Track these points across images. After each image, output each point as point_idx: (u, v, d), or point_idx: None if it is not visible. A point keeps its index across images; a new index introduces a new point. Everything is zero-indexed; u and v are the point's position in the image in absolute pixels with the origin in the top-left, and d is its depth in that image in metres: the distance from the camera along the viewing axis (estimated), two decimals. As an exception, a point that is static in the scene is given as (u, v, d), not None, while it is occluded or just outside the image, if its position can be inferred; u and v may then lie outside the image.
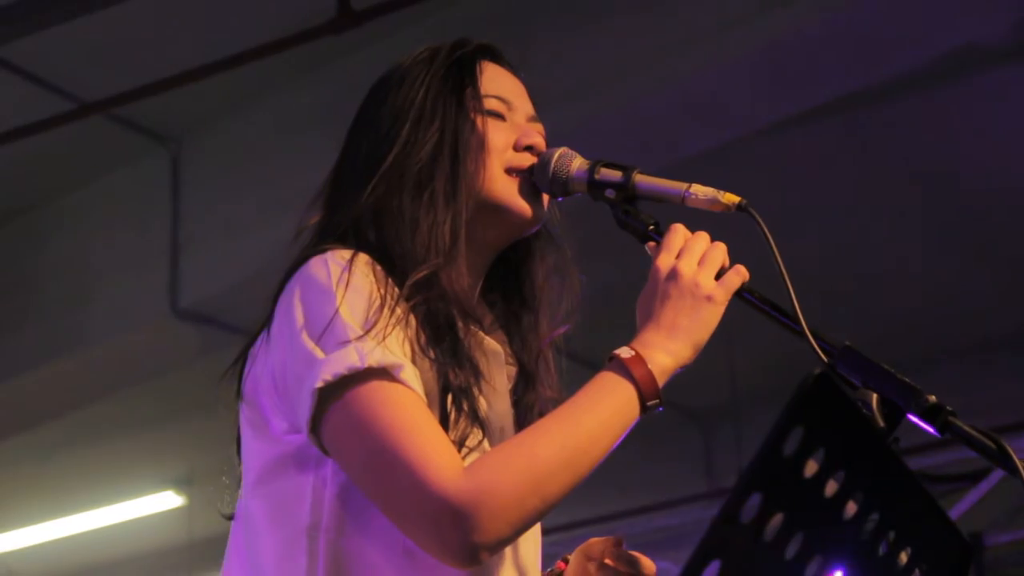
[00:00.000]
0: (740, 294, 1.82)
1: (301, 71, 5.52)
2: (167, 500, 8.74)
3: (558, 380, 2.02)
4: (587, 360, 2.01)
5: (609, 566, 1.98)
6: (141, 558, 9.50)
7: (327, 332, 1.73)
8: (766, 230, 1.80)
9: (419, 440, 1.69)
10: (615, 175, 1.92)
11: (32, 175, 6.15)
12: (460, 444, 1.76)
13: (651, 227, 1.89)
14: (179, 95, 5.35)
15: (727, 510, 1.41)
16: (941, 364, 7.12)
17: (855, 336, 1.76)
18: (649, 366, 1.76)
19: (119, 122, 5.83)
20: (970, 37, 4.74)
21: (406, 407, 1.71)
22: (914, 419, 1.63)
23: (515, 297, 2.04)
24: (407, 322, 1.78)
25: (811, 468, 1.45)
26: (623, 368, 1.76)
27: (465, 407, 1.79)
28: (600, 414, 1.74)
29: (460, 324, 1.84)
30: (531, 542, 1.92)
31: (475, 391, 1.82)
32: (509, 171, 1.95)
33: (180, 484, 8.64)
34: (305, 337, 1.75)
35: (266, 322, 1.86)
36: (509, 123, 1.99)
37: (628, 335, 1.82)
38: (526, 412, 1.96)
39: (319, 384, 1.71)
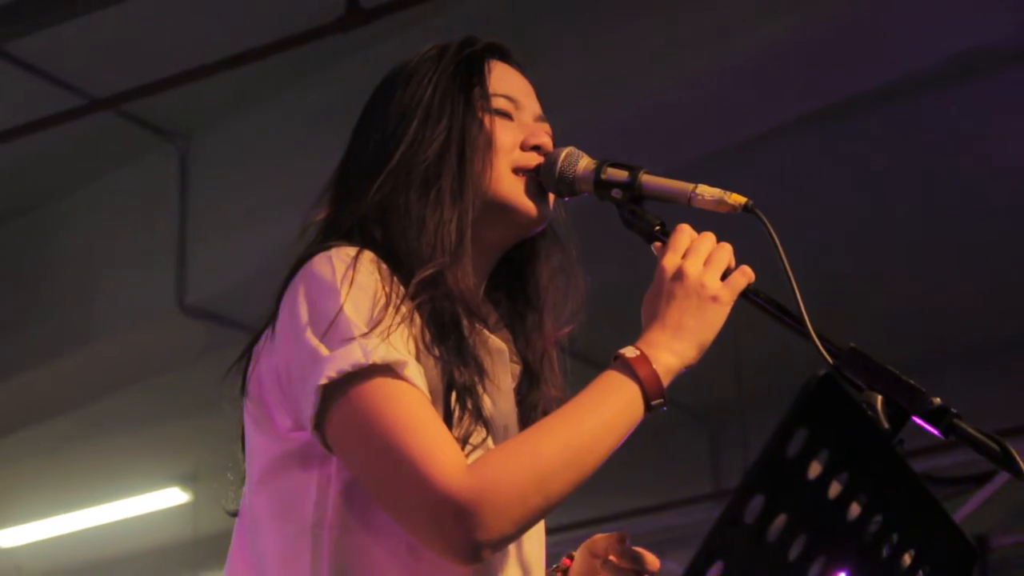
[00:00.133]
0: (745, 295, 1.82)
1: (309, 69, 5.52)
2: (172, 496, 8.76)
3: (562, 379, 2.02)
4: (591, 359, 2.01)
5: (613, 562, 1.98)
6: (146, 554, 9.52)
7: (331, 329, 1.74)
8: (772, 231, 1.80)
9: (423, 437, 1.69)
10: (621, 175, 1.92)
11: (41, 171, 6.16)
12: (464, 442, 1.76)
13: (657, 227, 1.89)
14: (188, 92, 5.35)
15: (730, 511, 1.41)
16: (945, 367, 7.11)
17: (859, 338, 1.76)
18: (654, 366, 1.76)
19: (128, 119, 5.83)
20: (975, 40, 4.73)
21: (410, 404, 1.72)
22: (919, 421, 1.63)
23: (520, 296, 2.04)
24: (412, 320, 1.78)
25: (815, 469, 1.45)
26: (628, 367, 1.76)
27: (469, 405, 1.79)
28: (604, 413, 1.74)
29: (465, 323, 1.84)
30: (535, 540, 1.92)
31: (479, 389, 1.82)
32: (516, 171, 1.95)
33: (185, 480, 8.65)
34: (309, 334, 1.75)
35: (270, 319, 1.86)
36: (516, 122, 1.99)
37: (633, 334, 1.82)
38: (530, 411, 1.96)
39: (323, 381, 1.71)
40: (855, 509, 1.50)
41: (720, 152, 5.10)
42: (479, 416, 1.80)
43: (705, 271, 1.81)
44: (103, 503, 8.72)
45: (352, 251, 1.81)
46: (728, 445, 8.18)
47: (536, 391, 1.98)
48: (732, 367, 7.16)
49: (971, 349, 7.46)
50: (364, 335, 1.72)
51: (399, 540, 1.75)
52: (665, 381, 1.76)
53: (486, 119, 1.95)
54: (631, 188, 1.90)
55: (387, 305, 1.77)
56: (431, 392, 1.76)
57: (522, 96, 2.01)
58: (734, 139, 5.14)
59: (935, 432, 1.63)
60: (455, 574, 1.77)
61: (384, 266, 1.82)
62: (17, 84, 5.52)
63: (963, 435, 1.63)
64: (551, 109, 2.05)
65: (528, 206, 1.94)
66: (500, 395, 1.88)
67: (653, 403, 1.76)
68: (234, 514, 1.92)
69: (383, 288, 1.78)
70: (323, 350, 1.73)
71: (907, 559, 1.57)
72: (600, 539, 2.01)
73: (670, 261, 1.83)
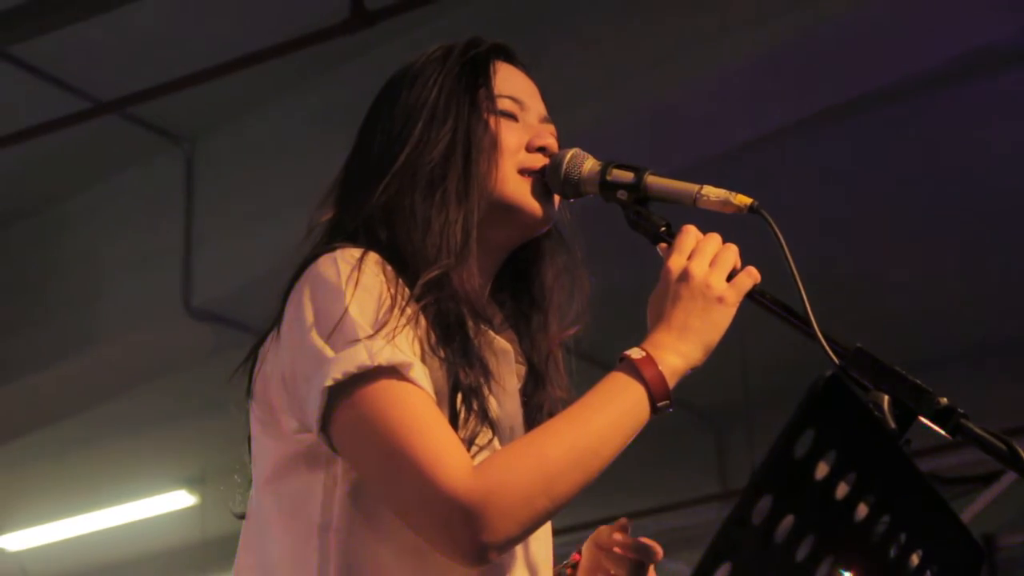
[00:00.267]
0: (751, 296, 1.82)
1: (314, 71, 5.53)
2: (180, 499, 8.76)
3: (568, 380, 2.02)
4: (597, 360, 2.01)
5: (617, 553, 1.97)
6: (154, 557, 9.52)
7: (337, 330, 1.73)
8: (778, 231, 1.80)
9: (428, 439, 1.69)
10: (627, 176, 1.92)
11: (47, 174, 6.17)
12: (470, 443, 1.76)
13: (663, 228, 1.89)
14: (193, 95, 5.36)
15: (738, 512, 1.41)
16: (952, 366, 7.11)
17: (866, 338, 1.76)
18: (660, 367, 1.76)
19: (133, 121, 5.84)
20: (976, 40, 4.73)
21: (415, 406, 1.72)
22: (925, 421, 1.63)
23: (524, 297, 2.04)
24: (417, 322, 1.78)
25: (822, 470, 1.45)
26: (634, 369, 1.76)
27: (475, 407, 1.79)
28: (610, 414, 1.74)
29: (470, 324, 1.84)
30: (542, 541, 1.92)
31: (485, 391, 1.81)
32: (521, 172, 1.95)
33: (193, 483, 8.65)
34: (314, 335, 1.75)
35: (275, 321, 1.86)
36: (522, 124, 1.99)
37: (639, 335, 1.82)
38: (536, 411, 1.96)
39: (328, 382, 1.71)
40: (862, 509, 1.50)
41: (722, 153, 5.10)
42: (485, 417, 1.80)
43: (711, 272, 1.81)
44: (110, 506, 8.72)
45: (357, 252, 1.81)
46: (735, 445, 8.18)
47: (541, 392, 1.98)
48: (739, 367, 7.16)
49: (977, 348, 7.45)
50: (369, 337, 1.72)
51: (406, 541, 1.75)
52: (671, 383, 1.76)
53: (491, 120, 1.95)
54: (636, 189, 1.90)
55: (392, 307, 1.76)
56: (436, 393, 1.76)
57: (527, 97, 2.01)
58: (736, 140, 5.14)
59: (942, 432, 1.63)
60: (462, 575, 1.77)
61: (389, 267, 1.81)
62: (23, 87, 5.53)
63: (970, 435, 1.62)
64: (554, 110, 2.05)
65: (533, 207, 1.94)
66: (506, 396, 1.87)
67: (659, 405, 1.76)
68: (241, 516, 1.92)
69: (388, 289, 1.78)
70: (328, 351, 1.73)
71: (915, 559, 1.57)
72: (604, 531, 2.00)
73: (676, 262, 1.82)
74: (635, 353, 1.77)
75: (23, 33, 4.96)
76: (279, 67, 5.18)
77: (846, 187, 6.15)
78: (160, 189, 6.10)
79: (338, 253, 1.81)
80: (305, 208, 2.02)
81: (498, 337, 1.90)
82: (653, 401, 1.75)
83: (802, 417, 1.42)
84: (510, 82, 2.00)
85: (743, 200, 1.85)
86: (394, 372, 1.72)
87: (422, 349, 1.78)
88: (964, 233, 6.52)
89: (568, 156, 1.95)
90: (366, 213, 1.90)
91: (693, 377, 1.80)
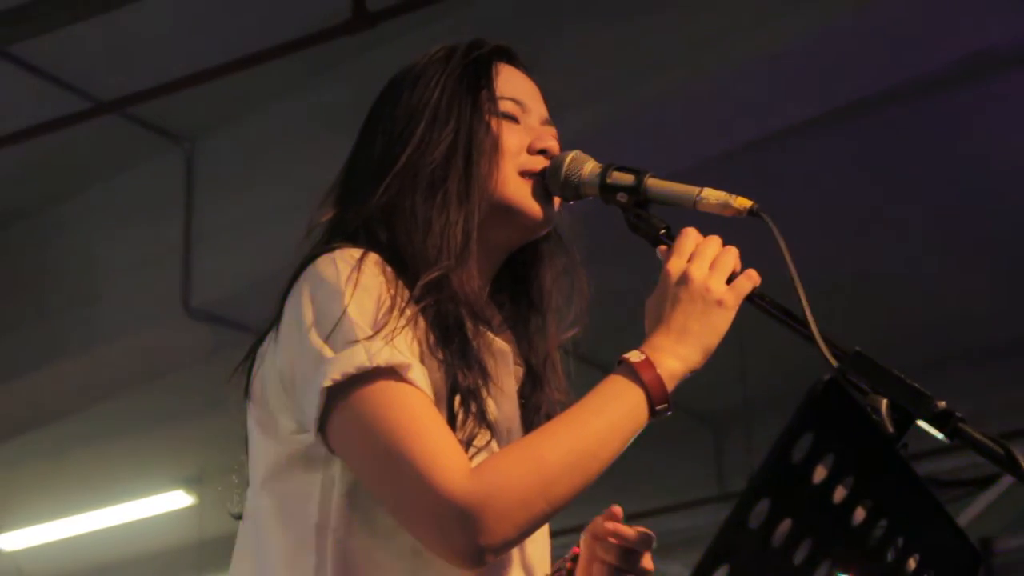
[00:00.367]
0: (751, 299, 1.82)
1: (315, 72, 5.53)
2: (177, 499, 8.76)
3: (566, 382, 2.02)
4: (596, 362, 2.01)
5: (612, 543, 1.96)
6: (151, 557, 9.52)
7: (336, 331, 1.73)
8: (778, 234, 1.80)
9: (426, 441, 1.69)
10: (627, 179, 1.92)
11: (47, 173, 6.17)
12: (467, 444, 1.76)
13: (662, 231, 1.89)
14: (193, 95, 5.36)
15: (735, 516, 1.41)
16: (951, 369, 7.11)
17: (865, 341, 1.76)
18: (658, 370, 1.76)
19: (134, 121, 5.84)
20: (978, 43, 4.73)
21: (414, 407, 1.72)
22: (923, 425, 1.63)
23: (523, 299, 2.04)
24: (416, 323, 1.78)
25: (820, 474, 1.45)
26: (632, 372, 1.76)
27: (473, 409, 1.79)
28: (608, 417, 1.74)
29: (470, 325, 1.84)
30: (539, 543, 1.92)
31: (483, 393, 1.81)
32: (522, 174, 1.95)
33: (191, 483, 8.65)
34: (314, 336, 1.75)
35: (274, 320, 1.86)
36: (523, 126, 1.99)
37: (637, 338, 1.82)
38: (533, 413, 1.96)
39: (327, 383, 1.71)
40: (860, 513, 1.50)
41: (722, 155, 5.10)
42: (483, 419, 1.80)
43: (710, 275, 1.81)
44: (107, 506, 8.71)
45: (357, 252, 1.81)
46: (733, 448, 8.18)
47: (539, 393, 1.98)
48: (737, 370, 7.16)
49: (976, 351, 7.45)
50: (368, 338, 1.72)
51: (403, 542, 1.75)
52: (670, 386, 1.76)
53: (493, 122, 1.95)
54: (636, 192, 1.90)
55: (392, 308, 1.77)
56: (435, 395, 1.76)
57: (529, 99, 2.01)
58: (737, 142, 5.14)
59: (939, 436, 1.63)
60: (459, 576, 1.77)
61: (389, 268, 1.81)
62: (23, 87, 5.53)
63: (967, 439, 1.62)
64: (555, 111, 2.06)
65: (534, 209, 1.94)
66: (504, 398, 1.88)
67: (658, 408, 1.76)
68: (239, 517, 1.92)
69: (388, 290, 1.78)
70: (327, 352, 1.73)
71: (912, 563, 1.57)
72: (598, 520, 1.99)
73: (675, 265, 1.82)
74: (634, 356, 1.77)
75: (23, 32, 4.97)
76: (280, 67, 5.18)
77: (847, 190, 6.15)
78: (160, 189, 6.10)
79: (337, 253, 1.81)
80: (305, 209, 2.02)
81: (496, 339, 1.90)
82: (652, 404, 1.75)
83: (800, 420, 1.43)
84: (512, 84, 2.01)
85: (743, 203, 1.85)
86: (393, 373, 1.72)
87: (421, 350, 1.78)
88: (973, 237, 6.52)
89: (568, 158, 1.95)
90: (366, 213, 1.90)
91: (691, 379, 1.80)
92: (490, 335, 1.88)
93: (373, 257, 1.81)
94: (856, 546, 1.51)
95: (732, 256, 1.83)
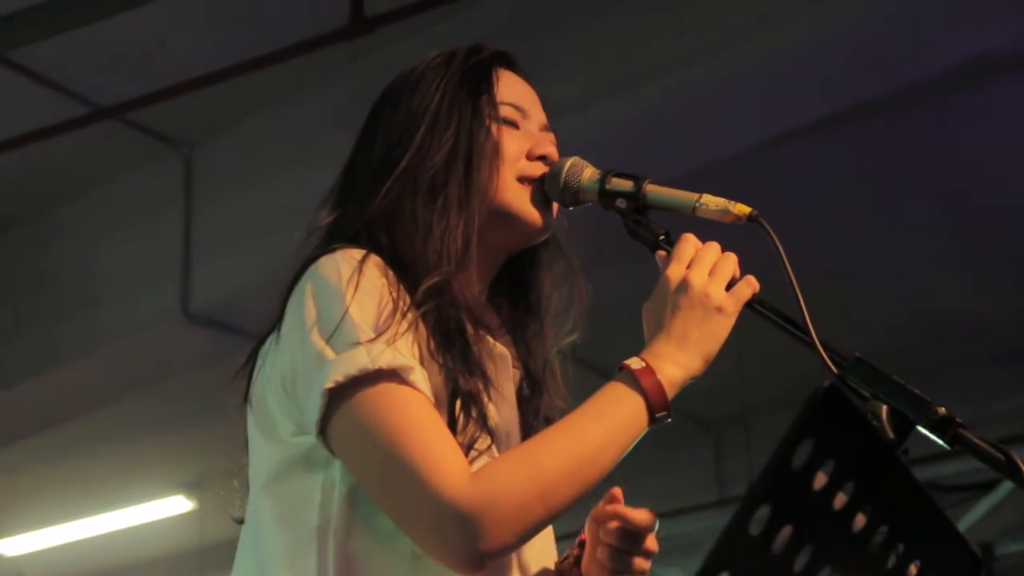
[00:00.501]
0: (751, 305, 1.82)
1: (314, 77, 5.52)
2: (178, 504, 8.75)
3: (564, 387, 2.02)
4: (596, 367, 2.01)
5: (612, 527, 1.96)
6: (152, 562, 9.51)
7: (337, 332, 1.74)
8: (777, 241, 1.80)
9: (427, 444, 1.69)
10: (626, 185, 1.92)
11: (46, 178, 6.17)
12: (468, 448, 1.76)
13: (661, 237, 1.89)
14: (192, 100, 5.36)
15: (736, 522, 1.41)
16: (950, 374, 7.11)
17: (867, 347, 1.76)
18: (658, 377, 1.76)
19: (132, 127, 5.84)
20: (978, 48, 4.73)
21: (415, 410, 1.72)
22: (924, 431, 1.63)
23: (521, 303, 2.04)
24: (417, 327, 1.78)
25: (820, 480, 1.45)
26: (632, 379, 1.76)
27: (474, 414, 1.79)
28: (608, 424, 1.74)
29: (470, 330, 1.84)
30: (538, 542, 1.91)
31: (484, 398, 1.82)
32: (521, 180, 1.95)
33: (191, 488, 8.64)
34: (315, 337, 1.75)
35: (276, 321, 1.86)
36: (523, 131, 1.99)
37: (636, 343, 1.82)
38: (531, 417, 1.96)
39: (329, 385, 1.71)
40: (860, 519, 1.50)
41: (720, 161, 5.10)
42: (484, 424, 1.80)
43: (710, 282, 1.81)
44: (107, 511, 8.71)
45: (358, 254, 1.81)
46: (733, 453, 8.17)
47: (538, 397, 1.99)
48: (737, 375, 7.16)
49: (978, 357, 7.45)
50: (370, 340, 1.72)
51: (404, 544, 1.75)
52: (670, 393, 1.76)
53: (493, 127, 1.95)
54: (635, 198, 1.91)
55: (394, 311, 1.77)
56: (435, 399, 1.76)
57: (528, 105, 2.02)
58: (737, 147, 5.14)
59: (940, 442, 1.63)
60: (459, 579, 1.76)
61: (390, 272, 1.82)
62: (22, 92, 5.53)
63: (967, 445, 1.62)
64: (554, 117, 2.06)
65: (533, 216, 1.94)
66: (503, 402, 1.88)
67: (657, 415, 1.75)
68: (241, 521, 1.92)
69: (389, 293, 1.78)
70: (329, 353, 1.73)
71: (913, 569, 1.57)
72: (600, 503, 1.98)
73: (674, 271, 1.82)
74: (634, 363, 1.77)
75: (23, 38, 4.96)
76: (278, 73, 5.18)
77: (845, 195, 6.15)
78: (159, 194, 6.10)
79: (339, 254, 1.81)
80: (304, 214, 2.02)
81: (496, 343, 1.90)
82: (651, 411, 1.75)
83: (800, 427, 1.42)
84: (512, 89, 2.01)
85: (742, 209, 1.85)
86: (395, 375, 1.72)
87: (421, 354, 1.78)
88: (973, 243, 6.52)
89: (567, 164, 1.95)
90: (367, 216, 1.90)
91: (692, 384, 1.80)
92: (490, 340, 1.89)
93: (375, 259, 1.81)
94: (857, 552, 1.51)
95: (731, 262, 1.83)
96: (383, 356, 1.71)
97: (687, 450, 8.16)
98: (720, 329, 1.80)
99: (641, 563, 1.93)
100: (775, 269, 1.79)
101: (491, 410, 1.83)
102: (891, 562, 1.55)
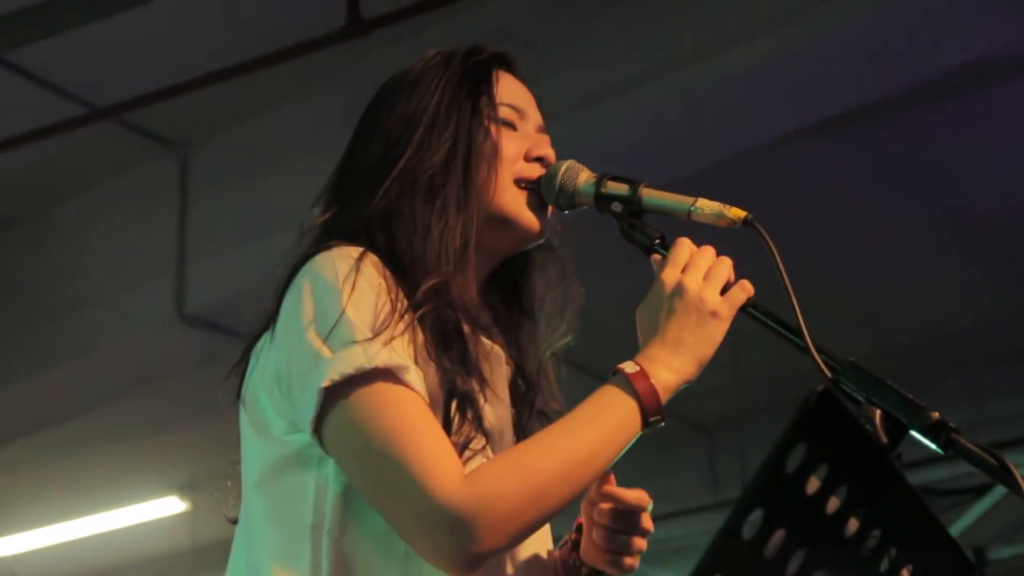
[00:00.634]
0: (745, 309, 1.82)
1: (310, 79, 5.52)
2: (171, 505, 8.74)
3: (557, 388, 2.02)
4: (589, 369, 2.01)
5: (605, 508, 1.95)
6: (145, 563, 9.50)
7: (334, 331, 1.73)
8: (772, 245, 1.80)
9: (420, 445, 1.69)
10: (621, 189, 1.92)
11: (41, 179, 6.16)
12: (463, 448, 1.76)
13: (656, 240, 1.89)
14: (188, 101, 5.35)
15: (729, 526, 1.41)
16: (944, 378, 7.11)
17: (863, 351, 1.77)
18: (652, 381, 1.76)
19: (128, 127, 5.83)
20: (977, 51, 4.74)
21: (410, 410, 1.72)
22: (917, 436, 1.63)
23: (514, 304, 2.04)
24: (414, 327, 1.78)
25: (813, 485, 1.45)
26: (626, 383, 1.76)
27: (470, 415, 1.79)
28: (602, 428, 1.74)
29: (468, 332, 1.84)
30: (533, 541, 1.92)
31: (480, 398, 1.82)
32: (518, 182, 1.95)
33: (184, 489, 8.63)
34: (312, 335, 1.75)
35: (271, 318, 1.85)
36: (520, 133, 1.99)
37: (631, 346, 1.82)
38: (526, 413, 1.97)
39: (325, 383, 1.71)
40: (853, 524, 1.51)
41: (718, 164, 5.10)
42: (480, 425, 1.80)
43: (704, 286, 1.81)
44: (101, 512, 8.70)
45: (355, 252, 1.81)
46: (726, 456, 8.17)
47: (531, 395, 1.99)
48: (731, 378, 7.16)
49: (973, 360, 7.45)
50: (367, 340, 1.72)
51: (398, 543, 1.74)
52: (664, 397, 1.76)
53: (492, 128, 1.95)
54: (631, 202, 1.91)
55: (392, 311, 1.76)
56: (431, 399, 1.76)
57: (526, 106, 2.02)
58: (735, 150, 5.14)
59: (933, 447, 1.63)
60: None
61: (387, 272, 1.81)
62: (18, 93, 5.53)
63: (961, 450, 1.62)
64: (550, 120, 2.06)
65: (530, 220, 1.95)
66: (498, 403, 1.88)
67: (651, 419, 1.75)
68: (234, 522, 1.92)
69: (386, 293, 1.78)
70: (325, 352, 1.73)
71: (905, 574, 1.58)
72: (593, 487, 1.97)
73: (669, 275, 1.82)
74: (628, 367, 1.77)
75: (18, 38, 4.96)
76: (275, 74, 5.18)
77: (841, 200, 6.15)
78: (154, 195, 6.10)
79: (335, 252, 1.81)
80: (299, 216, 2.02)
81: (491, 343, 1.90)
82: (645, 415, 1.75)
83: (794, 431, 1.43)
84: (510, 91, 2.01)
85: (737, 213, 1.85)
86: (390, 375, 1.72)
87: (417, 354, 1.77)
88: (970, 246, 6.52)
89: (563, 168, 1.95)
90: (364, 216, 1.90)
91: (686, 387, 1.80)
92: (485, 340, 1.89)
93: (372, 258, 1.81)
94: (849, 556, 1.52)
95: (726, 267, 1.83)
96: (379, 356, 1.71)
97: (681, 453, 8.16)
98: (715, 333, 1.80)
99: (638, 543, 1.93)
100: (770, 273, 1.80)
101: (487, 411, 1.83)
102: (884, 566, 1.55)
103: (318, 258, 1.81)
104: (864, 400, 1.65)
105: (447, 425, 1.77)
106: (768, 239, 1.80)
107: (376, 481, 1.72)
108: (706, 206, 1.87)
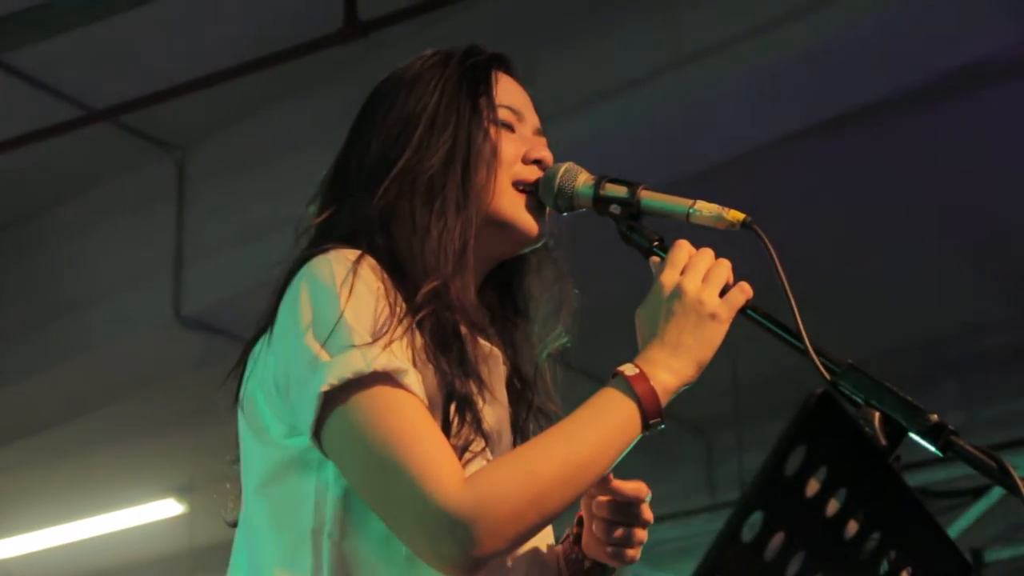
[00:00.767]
0: (744, 311, 1.82)
1: (307, 81, 5.52)
2: (168, 508, 8.74)
3: (553, 390, 2.02)
4: (587, 372, 2.00)
5: (603, 500, 1.95)
6: (142, 566, 9.50)
7: (332, 335, 1.73)
8: (770, 247, 1.80)
9: (420, 449, 1.69)
10: (620, 191, 1.92)
11: (39, 181, 6.16)
12: (463, 451, 1.76)
13: (655, 243, 1.89)
14: (185, 104, 5.35)
15: (729, 529, 1.41)
16: (942, 380, 7.12)
17: (861, 352, 1.76)
18: (652, 384, 1.75)
19: (125, 130, 5.83)
20: (976, 52, 4.74)
21: (409, 414, 1.71)
22: (916, 438, 1.63)
23: (510, 305, 2.04)
24: (413, 330, 1.78)
25: (813, 487, 1.45)
26: (626, 385, 1.76)
27: (469, 418, 1.79)
28: (601, 431, 1.74)
29: (466, 334, 1.84)
30: (537, 544, 1.91)
31: (479, 400, 1.81)
32: (516, 184, 1.95)
33: (181, 491, 8.63)
34: (310, 339, 1.74)
35: (268, 321, 1.85)
36: (518, 135, 1.99)
37: (630, 348, 1.81)
38: (523, 412, 1.97)
39: (324, 387, 1.70)
40: (853, 526, 1.50)
41: (716, 166, 5.10)
42: (478, 427, 1.80)
43: (703, 288, 1.80)
44: (98, 514, 8.70)
45: (352, 254, 1.80)
46: (725, 457, 8.18)
47: (527, 394, 1.98)
48: (729, 379, 7.16)
49: (972, 362, 7.46)
50: (366, 343, 1.72)
51: (399, 545, 1.74)
52: (663, 400, 1.76)
53: (491, 130, 1.95)
54: (629, 204, 1.90)
55: (391, 315, 1.76)
56: (430, 402, 1.75)
57: (524, 108, 2.02)
58: (734, 152, 5.14)
59: (932, 449, 1.63)
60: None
61: (385, 274, 1.81)
62: (15, 95, 5.53)
63: (960, 452, 1.62)
64: (548, 122, 2.06)
65: (529, 224, 1.94)
66: (496, 404, 1.88)
67: (651, 422, 1.75)
68: (234, 525, 1.92)
69: (385, 296, 1.78)
70: (324, 356, 1.72)
71: (904, 575, 1.57)
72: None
73: (668, 277, 1.82)
74: (628, 369, 1.77)
75: (15, 41, 4.96)
76: (272, 76, 5.18)
77: (839, 201, 6.15)
78: (152, 197, 6.10)
79: (332, 254, 1.80)
80: (296, 219, 2.01)
81: (489, 345, 1.90)
82: (645, 418, 1.75)
83: (793, 434, 1.43)
84: (508, 92, 2.01)
85: (736, 216, 1.85)
86: (389, 379, 1.71)
87: (416, 357, 1.77)
88: (969, 248, 6.52)
89: (562, 170, 1.95)
90: (362, 217, 1.89)
91: (684, 389, 1.80)
92: (483, 342, 1.89)
93: (369, 260, 1.81)
94: (849, 559, 1.51)
95: (725, 269, 1.83)
96: (378, 359, 1.71)
97: (680, 454, 8.17)
98: (714, 336, 1.80)
99: (639, 534, 1.93)
100: (769, 275, 1.79)
101: (486, 412, 1.83)
102: (883, 568, 1.55)
103: (315, 261, 1.80)
104: (863, 402, 1.65)
105: (446, 427, 1.76)
106: (767, 241, 1.80)
107: (376, 485, 1.71)
108: (705, 208, 1.87)
